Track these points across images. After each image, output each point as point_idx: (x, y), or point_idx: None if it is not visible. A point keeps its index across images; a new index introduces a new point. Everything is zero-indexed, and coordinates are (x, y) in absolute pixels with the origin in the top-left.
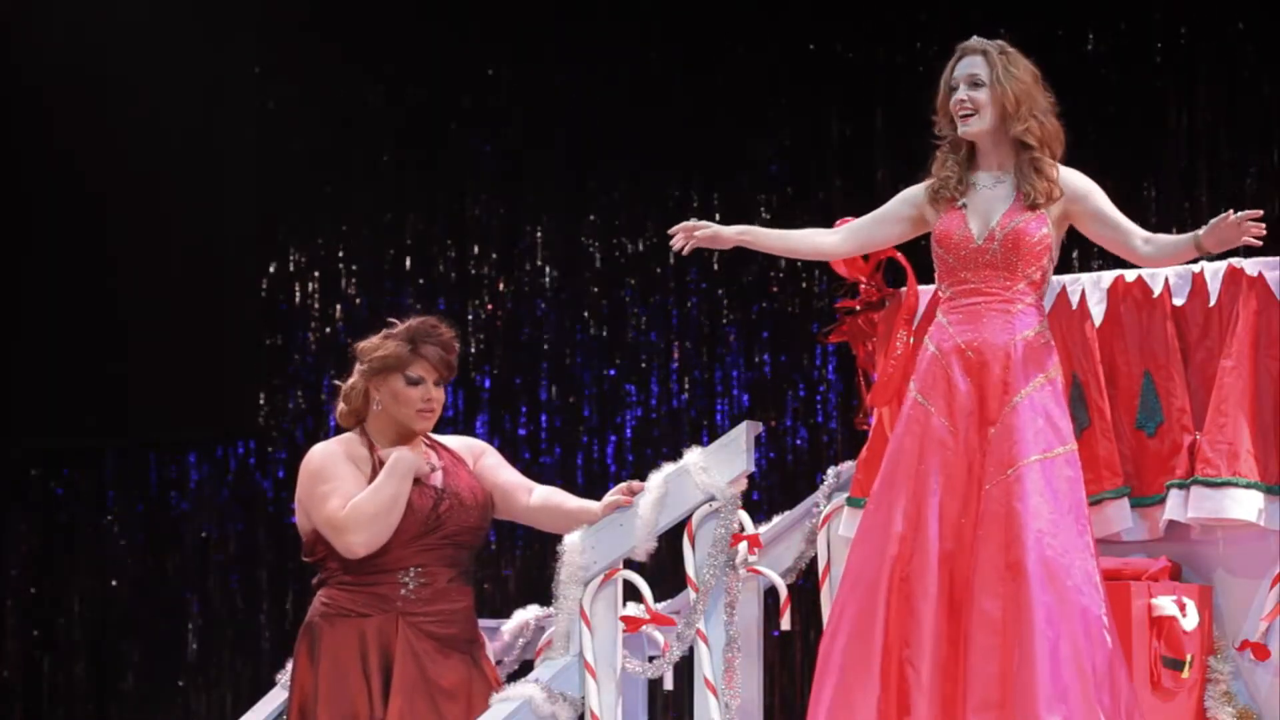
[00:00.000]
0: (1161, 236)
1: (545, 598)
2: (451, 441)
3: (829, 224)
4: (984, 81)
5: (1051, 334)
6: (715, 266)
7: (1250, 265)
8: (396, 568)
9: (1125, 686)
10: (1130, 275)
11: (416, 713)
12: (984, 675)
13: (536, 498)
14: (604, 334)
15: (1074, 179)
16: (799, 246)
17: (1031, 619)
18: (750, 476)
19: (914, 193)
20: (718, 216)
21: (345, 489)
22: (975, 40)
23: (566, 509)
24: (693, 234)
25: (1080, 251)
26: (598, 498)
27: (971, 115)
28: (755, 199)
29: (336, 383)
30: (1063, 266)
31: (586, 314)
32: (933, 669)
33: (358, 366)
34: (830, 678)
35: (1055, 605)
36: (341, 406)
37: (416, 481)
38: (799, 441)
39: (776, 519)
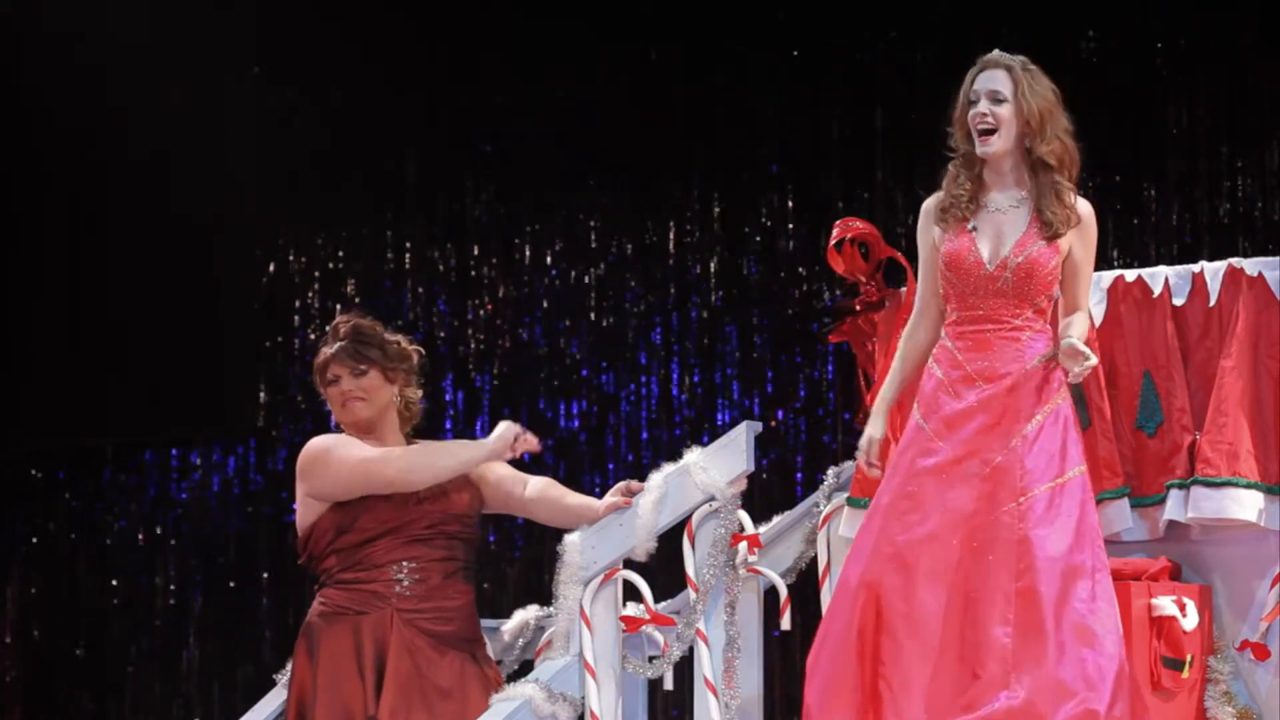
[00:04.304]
0: (1067, 330)
1: (545, 598)
2: None
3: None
4: (1006, 97)
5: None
6: (715, 266)
7: (1250, 265)
8: (388, 562)
9: (1139, 702)
10: (1130, 275)
11: (410, 709)
12: (985, 701)
13: (532, 488)
14: (604, 334)
15: (1086, 222)
16: (913, 358)
17: (1047, 643)
18: (750, 476)
19: (925, 226)
20: (717, 212)
21: (370, 446)
22: (997, 54)
23: (566, 504)
24: (871, 463)
25: None
26: (597, 498)
27: (992, 132)
28: (755, 199)
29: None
30: None
31: (586, 314)
32: (909, 687)
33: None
34: (814, 691)
35: (1072, 632)
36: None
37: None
38: (799, 441)
39: (776, 519)
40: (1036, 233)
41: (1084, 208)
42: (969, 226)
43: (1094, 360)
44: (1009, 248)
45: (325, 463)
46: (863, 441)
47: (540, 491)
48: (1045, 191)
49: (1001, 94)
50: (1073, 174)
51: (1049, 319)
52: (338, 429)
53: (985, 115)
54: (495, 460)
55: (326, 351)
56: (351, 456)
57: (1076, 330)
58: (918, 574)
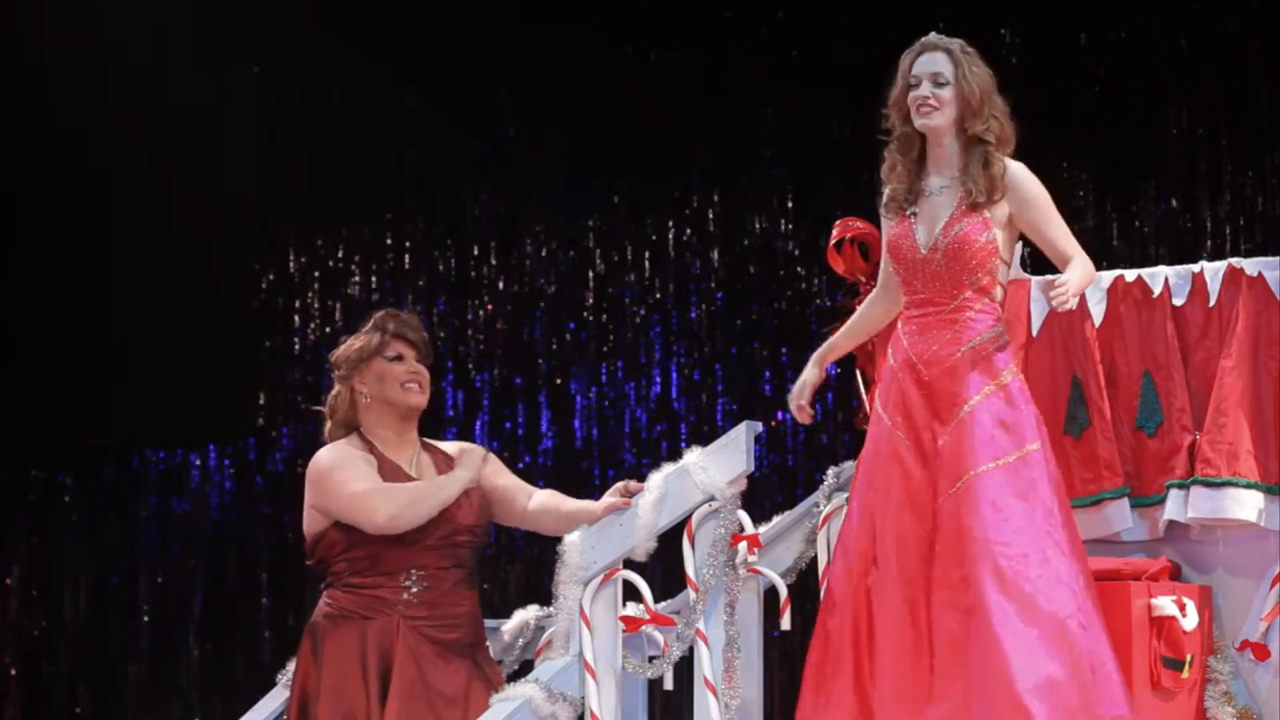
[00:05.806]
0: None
1: (545, 598)
2: (448, 446)
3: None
4: (948, 80)
5: (1049, 333)
6: (715, 266)
7: (1250, 265)
8: (398, 569)
9: (1106, 680)
10: (1130, 275)
11: (414, 717)
12: (945, 691)
13: (535, 501)
14: (604, 334)
15: (1020, 182)
16: (864, 328)
17: (992, 624)
18: (750, 476)
19: (882, 215)
20: (717, 212)
21: (366, 474)
22: (935, 37)
23: (565, 510)
24: (800, 405)
25: None
26: (595, 499)
27: (934, 111)
28: (755, 199)
29: (317, 409)
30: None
31: (587, 314)
32: (884, 676)
33: (336, 375)
34: (809, 688)
35: (1018, 613)
36: (329, 424)
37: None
38: (799, 441)
39: (776, 519)
40: (964, 209)
41: (1015, 173)
42: (908, 213)
43: (1068, 284)
44: (939, 229)
45: (323, 486)
46: (795, 385)
47: (542, 504)
48: (974, 164)
49: (943, 76)
50: (1007, 151)
51: (996, 297)
52: (348, 427)
53: (928, 98)
54: (473, 484)
55: (376, 337)
56: (345, 490)
57: (1070, 273)
58: (888, 565)
